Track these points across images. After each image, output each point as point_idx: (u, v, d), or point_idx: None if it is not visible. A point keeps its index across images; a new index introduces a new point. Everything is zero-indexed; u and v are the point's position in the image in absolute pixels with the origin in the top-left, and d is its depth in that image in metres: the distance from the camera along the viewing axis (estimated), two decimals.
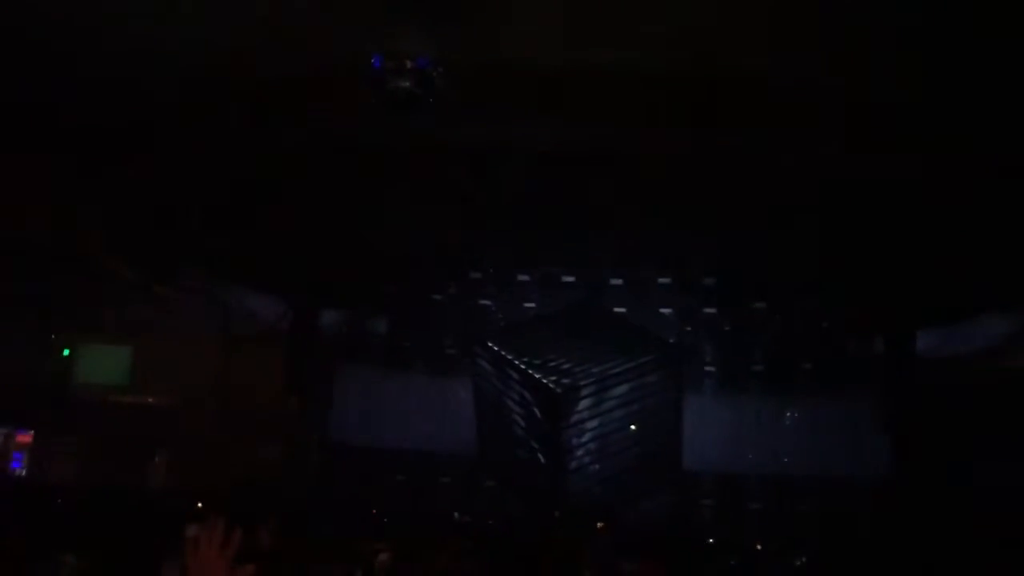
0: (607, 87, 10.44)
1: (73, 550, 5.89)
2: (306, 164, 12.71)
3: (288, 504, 14.29)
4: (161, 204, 13.81)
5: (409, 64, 7.64)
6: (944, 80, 9.67)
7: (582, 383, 15.11)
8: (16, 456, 21.66)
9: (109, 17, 9.26)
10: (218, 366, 18.06)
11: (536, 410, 15.53)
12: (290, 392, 18.33)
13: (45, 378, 20.51)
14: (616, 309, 17.74)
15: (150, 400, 20.72)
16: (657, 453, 16.37)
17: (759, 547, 14.13)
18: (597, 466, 15.95)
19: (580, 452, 15.77)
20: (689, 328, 17.72)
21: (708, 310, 17.77)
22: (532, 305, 18.47)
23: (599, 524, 13.75)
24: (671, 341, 17.20)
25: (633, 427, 15.89)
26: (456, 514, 16.04)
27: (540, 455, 15.96)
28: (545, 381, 15.04)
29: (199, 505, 13.58)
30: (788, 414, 17.19)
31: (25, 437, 21.62)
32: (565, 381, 15.05)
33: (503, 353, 15.85)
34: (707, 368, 17.69)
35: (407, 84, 7.59)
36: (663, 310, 17.83)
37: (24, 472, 21.19)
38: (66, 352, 21.71)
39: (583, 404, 15.32)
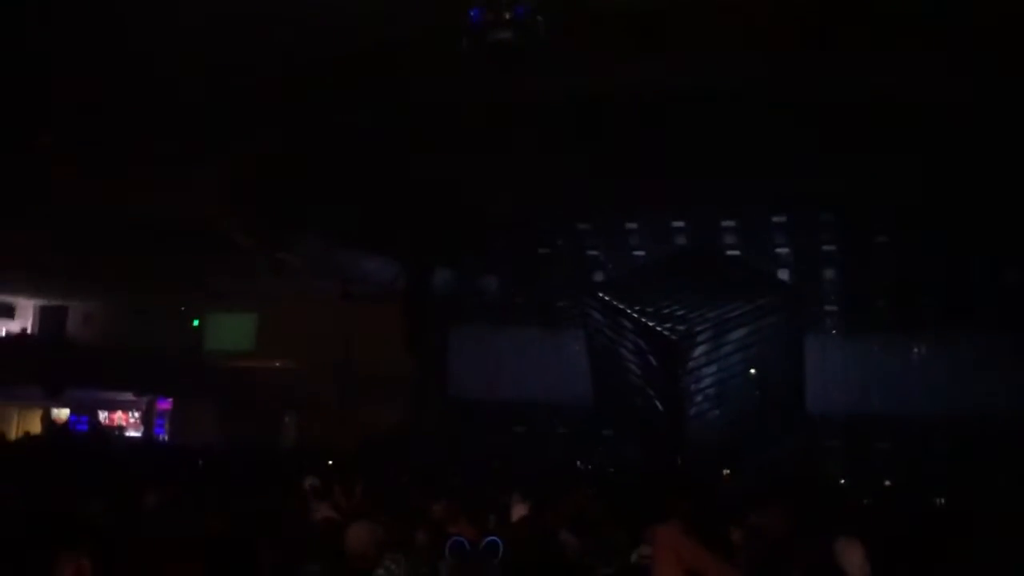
0: (708, 21, 10.08)
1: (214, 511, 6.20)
2: (415, 126, 12.78)
3: (415, 460, 14.69)
4: (280, 174, 14.17)
5: (508, 15, 7.54)
6: None
7: (698, 328, 14.88)
8: (159, 422, 23.08)
9: None
10: (339, 329, 18.59)
11: (651, 358, 15.41)
12: (409, 351, 18.73)
13: (179, 348, 21.64)
14: (729, 251, 17.33)
15: (277, 364, 21.62)
16: (779, 397, 16.03)
17: (888, 484, 13.71)
18: (717, 412, 15.74)
19: (699, 398, 15.59)
20: (807, 267, 17.13)
21: (827, 247, 17.09)
22: (642, 253, 18.23)
23: (724, 472, 13.62)
24: (788, 281, 16.72)
25: (753, 371, 15.58)
26: (578, 463, 16.17)
27: (658, 403, 15.87)
28: (659, 328, 14.88)
29: (329, 463, 14.13)
30: (915, 351, 16.53)
31: (165, 404, 22.99)
32: (680, 327, 14.85)
33: (615, 303, 15.75)
34: (827, 307, 17.13)
35: (507, 35, 7.50)
36: (779, 250, 17.27)
37: (167, 436, 22.57)
38: (196, 322, 22.85)
39: (700, 350, 15.10)
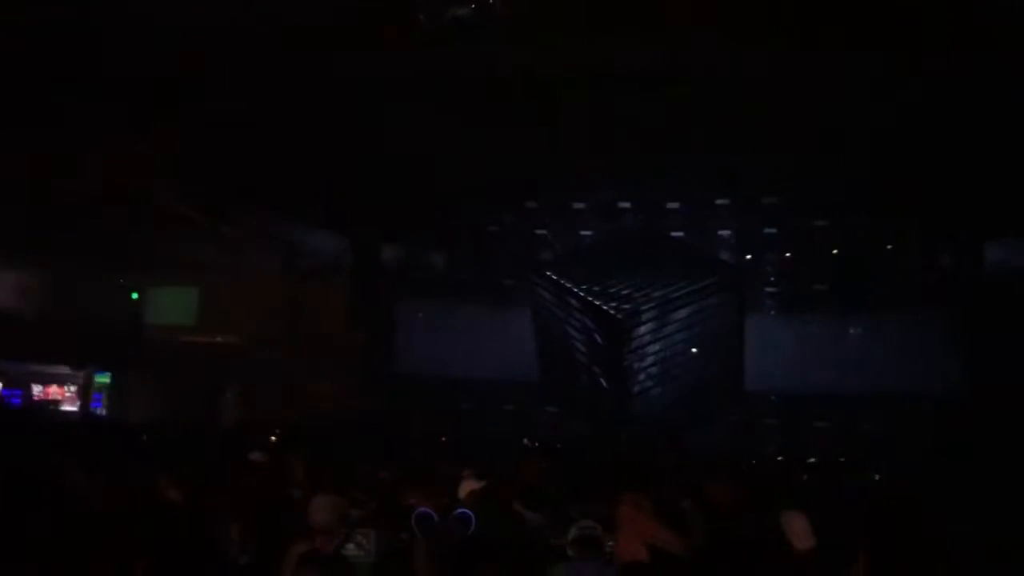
0: (666, 5, 10.21)
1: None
2: (363, 98, 12.68)
3: (359, 435, 14.68)
4: (222, 146, 13.94)
5: None
6: None
7: (643, 307, 15.09)
8: (96, 396, 22.57)
9: None
10: (284, 303, 18.41)
11: (597, 336, 15.59)
12: (355, 326, 18.65)
13: (119, 321, 21.16)
14: (674, 233, 17.60)
15: (219, 339, 21.31)
16: (720, 375, 16.39)
17: (825, 463, 14.16)
18: (660, 389, 16.03)
19: (642, 376, 15.84)
20: (749, 249, 17.53)
21: (768, 230, 17.52)
22: (588, 233, 18.42)
23: (667, 447, 13.88)
24: (731, 263, 17.05)
25: (695, 350, 15.88)
26: (525, 440, 16.32)
27: (603, 380, 16.08)
28: (605, 307, 15.05)
29: (272, 438, 14.03)
30: (852, 332, 17.04)
31: (104, 378, 22.49)
32: (625, 306, 15.04)
33: (562, 281, 15.88)
34: (768, 289, 17.55)
35: (464, 11, 7.51)
36: (722, 232, 17.63)
37: (104, 411, 22.10)
38: (135, 295, 22.33)
39: (644, 328, 15.32)
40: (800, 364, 16.88)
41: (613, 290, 15.32)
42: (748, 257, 17.70)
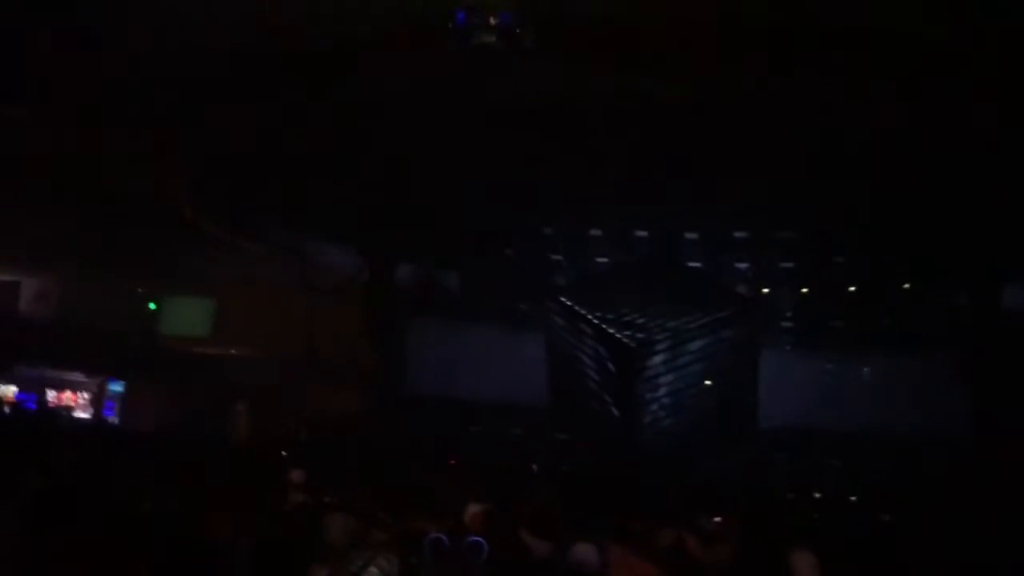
0: (682, 35, 10.26)
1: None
2: (383, 119, 12.79)
3: (367, 453, 14.67)
4: (242, 158, 14.08)
5: (493, 20, 7.63)
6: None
7: (656, 337, 15.09)
8: (108, 404, 22.71)
9: None
10: (298, 318, 18.49)
11: (609, 364, 15.59)
12: (367, 344, 18.68)
13: (134, 331, 21.32)
14: (691, 263, 17.59)
15: (232, 351, 21.43)
16: (733, 408, 16.30)
17: (838, 501, 14.04)
18: (671, 420, 15.97)
19: (654, 406, 15.80)
20: (766, 283, 17.47)
21: (785, 264, 17.45)
22: (604, 260, 18.41)
23: (676, 480, 13.76)
24: (747, 296, 17.02)
25: (708, 382, 15.83)
26: (534, 466, 16.27)
27: (613, 408, 16.05)
28: (618, 335, 15.05)
29: (282, 453, 14.05)
30: (866, 370, 16.94)
31: (117, 386, 22.64)
32: (639, 335, 15.04)
33: (575, 307, 15.89)
34: (784, 324, 17.47)
35: (491, 39, 7.59)
36: (739, 265, 17.58)
37: (116, 419, 22.22)
38: (152, 306, 22.52)
39: (657, 359, 15.31)
40: (813, 400, 16.76)
41: (627, 319, 15.33)
42: (765, 291, 17.60)
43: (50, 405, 21.69)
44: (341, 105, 12.52)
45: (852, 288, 17.22)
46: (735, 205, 16.27)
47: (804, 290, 17.49)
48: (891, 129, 12.17)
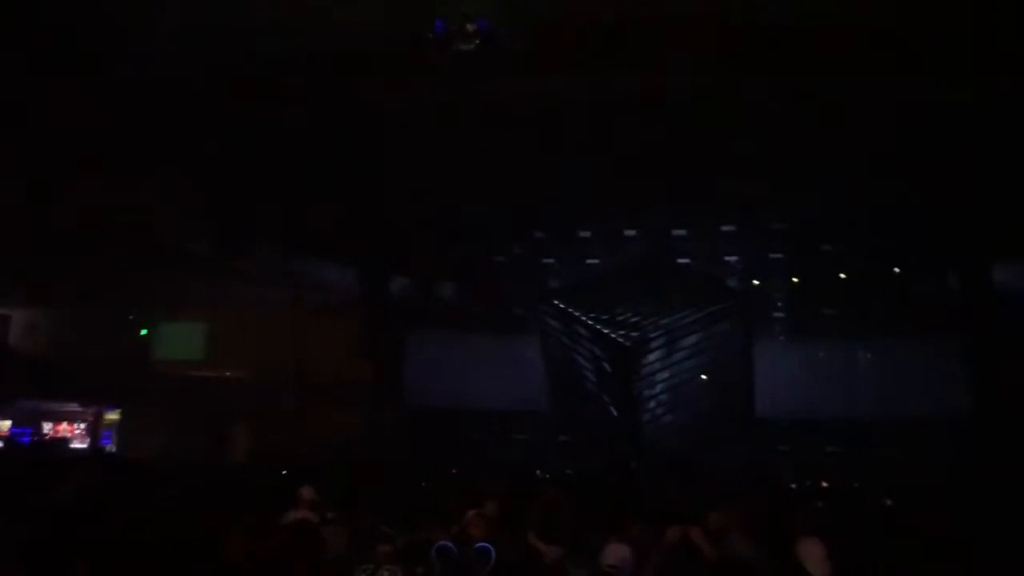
0: (662, 33, 10.30)
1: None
2: (369, 130, 12.79)
3: (370, 468, 14.61)
4: (233, 180, 14.05)
5: (471, 27, 7.64)
6: None
7: (651, 335, 15.07)
8: (105, 433, 22.58)
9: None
10: (292, 337, 18.43)
11: (606, 364, 15.56)
12: (365, 359, 18.63)
13: (128, 357, 21.20)
14: (680, 260, 17.63)
15: (228, 374, 21.32)
16: (730, 401, 16.31)
17: (839, 489, 14.05)
18: (670, 417, 15.96)
19: (652, 404, 15.78)
20: (756, 275, 17.54)
21: (775, 255, 17.53)
22: (595, 261, 18.46)
23: (678, 476, 13.78)
24: (738, 289, 17.04)
25: (704, 377, 15.83)
26: (538, 471, 16.25)
27: (612, 408, 16.03)
28: (613, 335, 15.04)
29: (283, 473, 13.96)
30: (862, 356, 16.97)
31: (113, 415, 22.51)
32: (634, 334, 15.02)
33: (569, 310, 15.89)
34: (776, 315, 17.52)
35: (471, 46, 7.60)
36: (729, 258, 17.65)
37: (113, 448, 22.08)
38: (144, 331, 22.43)
39: (653, 356, 15.29)
40: (811, 389, 16.79)
41: (621, 318, 15.31)
42: (756, 283, 17.68)
43: (47, 437, 21.58)
44: (323, 118, 12.53)
45: (843, 275, 17.27)
46: (723, 199, 16.34)
47: (795, 279, 17.55)
48: (879, 113, 12.22)
